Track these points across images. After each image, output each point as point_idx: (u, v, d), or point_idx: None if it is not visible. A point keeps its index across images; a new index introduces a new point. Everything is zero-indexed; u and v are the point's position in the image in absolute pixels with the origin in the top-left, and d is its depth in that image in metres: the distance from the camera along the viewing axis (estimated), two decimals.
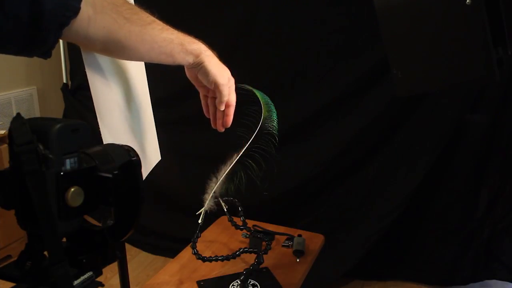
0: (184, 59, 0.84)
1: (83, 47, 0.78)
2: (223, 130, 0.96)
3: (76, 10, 0.64)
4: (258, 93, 1.08)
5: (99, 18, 0.68)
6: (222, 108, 0.91)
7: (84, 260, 0.51)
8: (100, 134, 0.94)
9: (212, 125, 0.96)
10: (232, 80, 0.92)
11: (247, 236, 1.32)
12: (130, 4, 0.76)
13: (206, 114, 0.97)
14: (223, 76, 0.88)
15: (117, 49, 0.76)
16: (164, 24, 0.80)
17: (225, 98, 0.89)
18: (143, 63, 1.07)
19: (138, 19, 0.75)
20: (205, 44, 0.86)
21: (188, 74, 0.91)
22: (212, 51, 0.87)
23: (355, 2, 1.97)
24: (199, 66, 0.85)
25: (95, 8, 0.68)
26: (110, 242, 0.53)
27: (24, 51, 0.64)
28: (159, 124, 1.19)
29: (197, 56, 0.84)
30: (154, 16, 0.79)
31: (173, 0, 2.18)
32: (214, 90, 0.89)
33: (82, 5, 0.65)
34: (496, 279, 2.14)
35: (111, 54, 0.83)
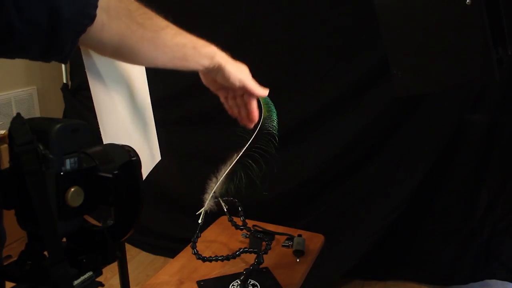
0: (198, 63, 0.83)
1: (94, 51, 0.77)
2: (252, 126, 0.96)
3: (92, 18, 0.64)
4: None
5: (113, 24, 0.68)
6: (255, 103, 0.92)
7: (84, 260, 0.51)
8: (100, 134, 0.94)
9: (241, 123, 0.96)
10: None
11: (247, 236, 1.32)
12: (145, 9, 0.75)
13: (232, 115, 0.96)
14: (244, 73, 0.88)
15: (129, 54, 0.76)
16: (178, 29, 0.79)
17: (258, 91, 0.90)
18: None
19: (152, 24, 0.75)
20: (217, 47, 0.85)
21: (204, 79, 0.90)
22: (225, 52, 0.87)
23: (355, 2, 1.97)
24: (216, 69, 0.85)
25: (109, 14, 0.67)
26: (110, 242, 0.53)
27: (43, 57, 0.64)
28: (159, 124, 1.19)
29: (211, 58, 0.83)
30: (168, 21, 0.78)
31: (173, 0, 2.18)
32: (241, 88, 0.88)
33: (97, 11, 0.64)
34: (496, 279, 2.14)
35: (123, 59, 0.82)
